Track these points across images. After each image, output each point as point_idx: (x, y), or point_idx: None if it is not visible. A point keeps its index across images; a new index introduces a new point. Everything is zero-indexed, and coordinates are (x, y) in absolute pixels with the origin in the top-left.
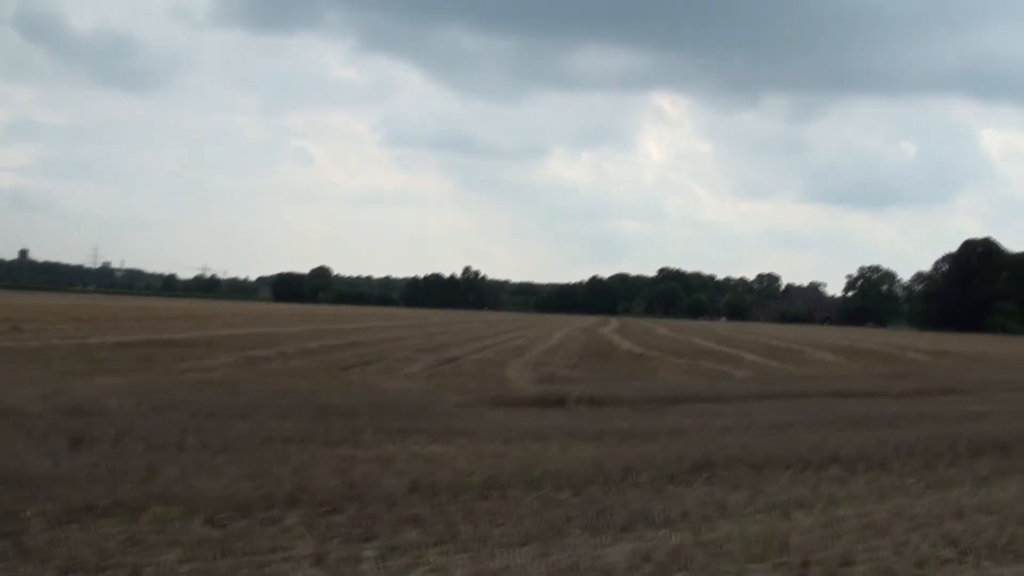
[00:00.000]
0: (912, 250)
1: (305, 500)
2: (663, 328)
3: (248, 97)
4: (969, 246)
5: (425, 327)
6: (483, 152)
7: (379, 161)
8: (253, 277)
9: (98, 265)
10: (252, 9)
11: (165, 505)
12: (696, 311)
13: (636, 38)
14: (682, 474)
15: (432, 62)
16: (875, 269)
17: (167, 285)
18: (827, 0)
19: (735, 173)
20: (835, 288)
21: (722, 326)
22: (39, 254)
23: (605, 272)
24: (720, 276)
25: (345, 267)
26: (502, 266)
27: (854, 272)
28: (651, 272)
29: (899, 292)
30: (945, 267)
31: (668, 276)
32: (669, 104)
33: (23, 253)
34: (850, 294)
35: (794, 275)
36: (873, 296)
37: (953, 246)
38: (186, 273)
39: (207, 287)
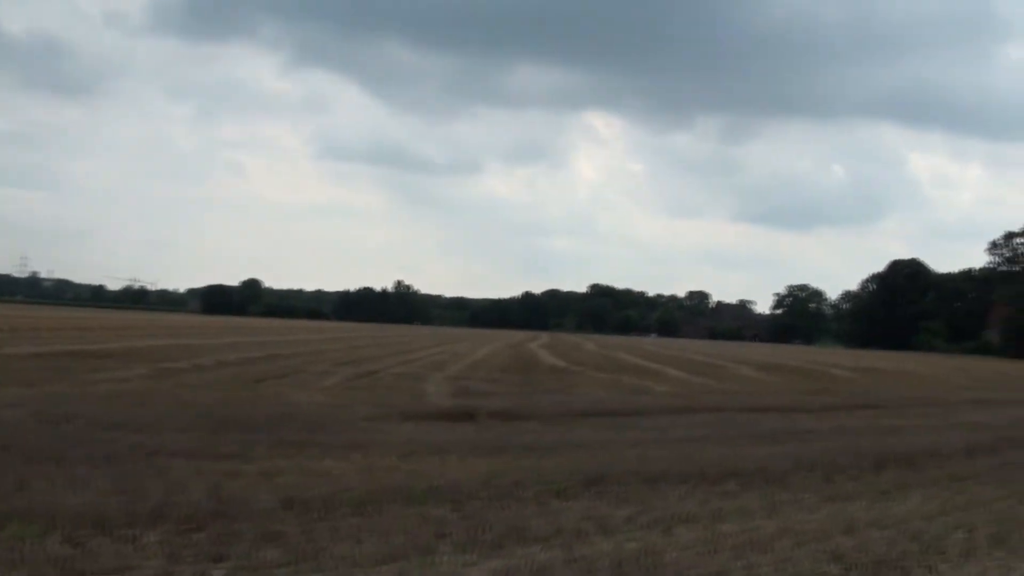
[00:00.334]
0: (840, 270)
1: (171, 516)
2: (591, 344)
3: (181, 106)
4: (896, 266)
5: (350, 340)
6: (417, 167)
7: (312, 174)
8: (183, 289)
9: (26, 274)
10: (187, 18)
11: (25, 522)
12: (627, 327)
13: (571, 58)
14: (572, 489)
15: (368, 76)
16: (803, 288)
17: (96, 296)
18: (760, 24)
19: (667, 192)
20: (764, 306)
21: (650, 342)
22: None
23: (538, 288)
24: (651, 293)
25: (276, 280)
26: (435, 281)
27: (782, 290)
28: (583, 288)
29: (827, 310)
30: (872, 286)
31: (599, 292)
32: (602, 123)
33: None
34: (778, 312)
35: (724, 293)
36: (801, 314)
37: (880, 266)
38: (116, 284)
39: (136, 298)
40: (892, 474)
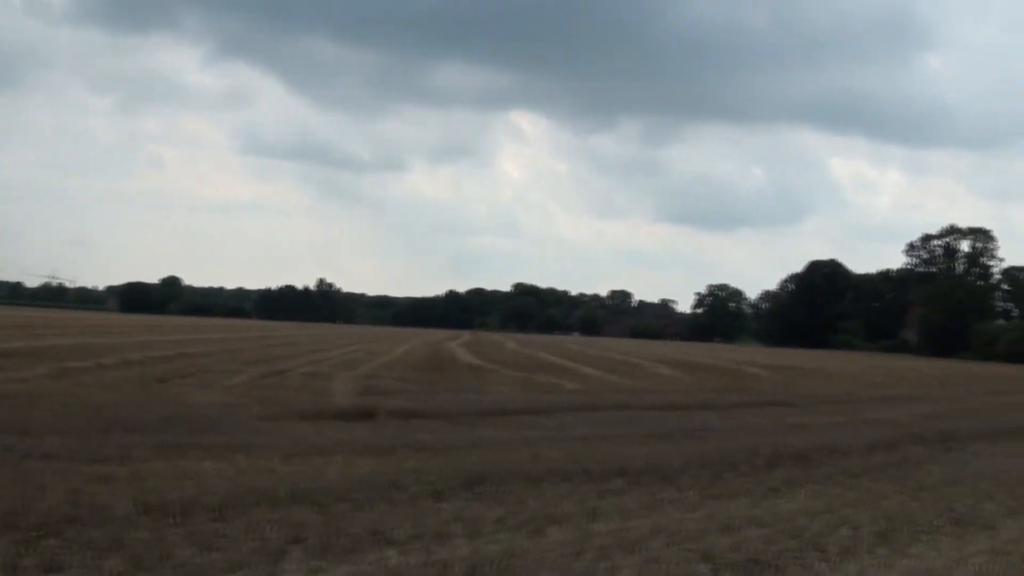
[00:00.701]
0: (761, 270)
1: (22, 523)
2: (512, 342)
3: (102, 98)
4: (815, 267)
5: (266, 339)
6: (341, 164)
7: (234, 169)
8: (103, 286)
9: None
10: (109, 8)
11: None
12: (550, 326)
13: (497, 57)
14: (451, 489)
15: (291, 71)
16: (723, 287)
17: (13, 293)
18: (684, 28)
19: (591, 193)
20: (685, 305)
21: (572, 340)
22: None
23: (462, 287)
24: (574, 292)
25: (197, 277)
26: (358, 279)
27: (703, 290)
28: (507, 287)
29: (747, 310)
30: (791, 286)
31: (523, 292)
32: (528, 123)
33: None
34: (699, 311)
35: (646, 292)
36: (721, 313)
37: (801, 267)
38: (34, 281)
39: (54, 296)
40: (785, 471)
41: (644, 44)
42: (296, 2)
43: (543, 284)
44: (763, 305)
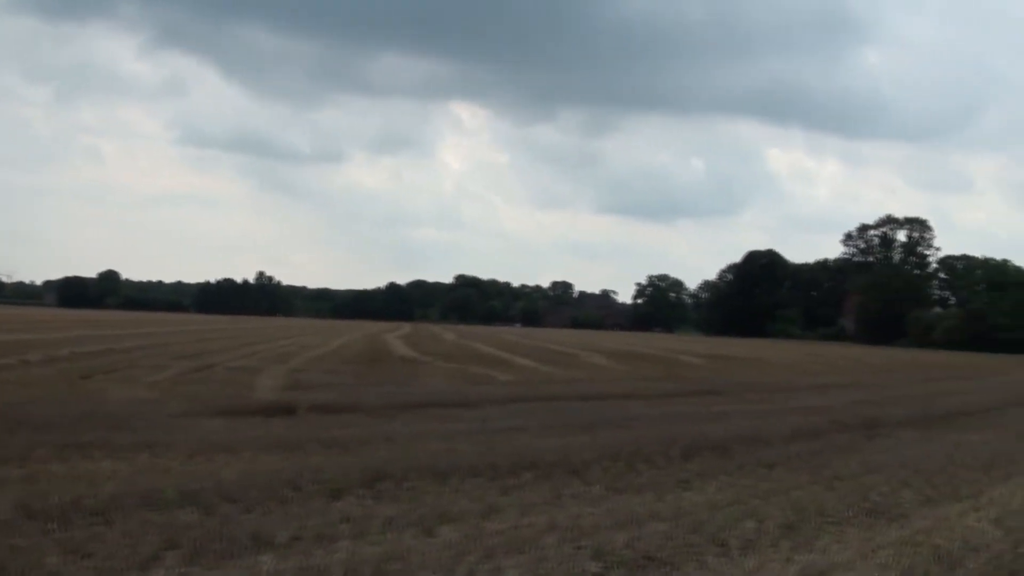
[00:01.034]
0: (700, 261)
1: None
2: (452, 334)
3: (39, 88)
4: (753, 257)
5: (201, 333)
6: (280, 155)
7: (173, 161)
8: (40, 281)
9: None
10: None
11: None
12: (491, 317)
13: (436, 48)
14: (350, 487)
15: (229, 61)
16: (664, 278)
17: None
18: (623, 20)
19: (532, 184)
20: (626, 295)
21: (513, 332)
22: None
23: (403, 279)
24: (516, 284)
25: (135, 271)
26: (299, 272)
27: (644, 280)
28: (449, 279)
29: (687, 300)
30: (729, 276)
31: (465, 283)
32: (468, 114)
33: None
34: (639, 301)
35: (587, 283)
36: (661, 303)
37: (739, 257)
38: None
39: None
40: (701, 462)
41: (583, 35)
42: None
43: (484, 276)
44: (702, 295)
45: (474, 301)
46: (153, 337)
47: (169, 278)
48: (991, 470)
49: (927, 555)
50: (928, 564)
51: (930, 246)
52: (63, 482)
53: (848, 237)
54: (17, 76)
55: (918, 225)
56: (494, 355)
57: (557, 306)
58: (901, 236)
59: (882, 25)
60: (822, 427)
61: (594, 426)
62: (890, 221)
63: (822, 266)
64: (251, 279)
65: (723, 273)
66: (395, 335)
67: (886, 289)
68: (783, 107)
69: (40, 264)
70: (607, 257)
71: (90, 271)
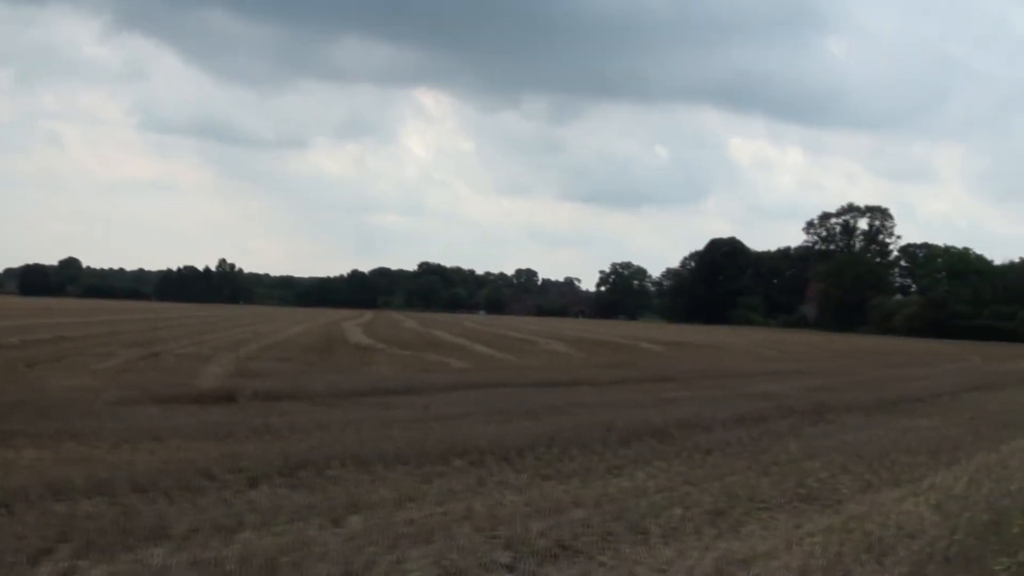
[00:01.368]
0: (664, 248)
1: None
2: (413, 321)
3: None
4: (715, 245)
5: (157, 321)
6: (243, 141)
7: (134, 147)
8: (1, 268)
9: None
10: None
11: None
12: (455, 305)
13: (400, 33)
14: (269, 475)
15: (191, 45)
16: (627, 265)
17: None
18: (588, 8)
19: (496, 171)
20: (590, 283)
21: (476, 319)
22: None
23: (366, 266)
24: (480, 271)
25: (97, 259)
26: (261, 259)
27: (607, 268)
28: (412, 266)
29: (650, 287)
30: (692, 264)
31: (428, 270)
32: (432, 101)
33: None
34: (603, 289)
35: (551, 271)
36: (624, 290)
37: (701, 245)
38: None
39: None
40: (639, 448)
41: (547, 22)
42: None
43: (448, 263)
44: (665, 283)
45: (438, 288)
46: (107, 325)
47: (131, 266)
48: (936, 455)
49: (858, 542)
50: (858, 552)
51: (891, 234)
52: None
53: (810, 225)
54: None
55: (879, 213)
56: (452, 342)
57: (521, 294)
58: (863, 224)
59: (845, 15)
60: (768, 413)
61: (537, 413)
62: (851, 209)
63: (784, 254)
64: (213, 267)
65: (686, 261)
66: (354, 323)
67: (847, 276)
68: (746, 96)
69: (1, 251)
70: (571, 245)
71: (51, 259)
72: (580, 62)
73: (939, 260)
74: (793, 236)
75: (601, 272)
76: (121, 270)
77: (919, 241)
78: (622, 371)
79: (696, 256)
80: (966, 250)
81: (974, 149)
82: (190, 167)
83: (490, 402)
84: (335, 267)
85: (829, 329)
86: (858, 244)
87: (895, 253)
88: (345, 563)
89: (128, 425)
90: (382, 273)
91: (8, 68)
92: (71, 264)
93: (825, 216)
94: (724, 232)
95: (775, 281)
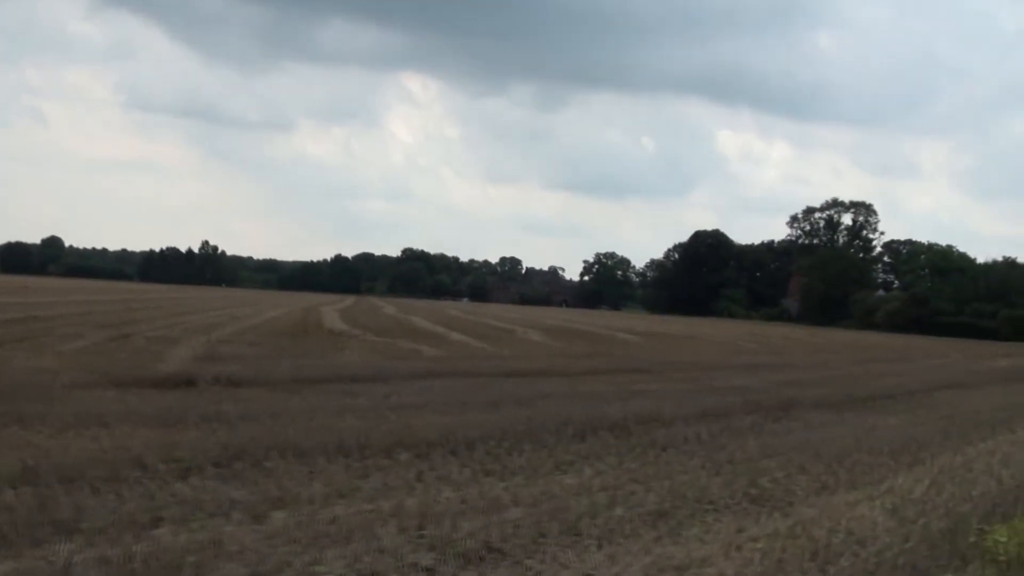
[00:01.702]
0: (649, 239)
1: None
2: (392, 307)
3: None
4: (699, 237)
5: (134, 302)
6: (228, 122)
7: (119, 126)
8: None
9: None
10: None
11: None
12: (439, 292)
13: (388, 17)
14: (205, 465)
15: (176, 23)
16: (611, 255)
17: None
18: None
19: (482, 158)
20: (573, 272)
21: (458, 306)
22: None
23: (350, 251)
24: (464, 258)
25: (79, 238)
26: (245, 242)
27: (591, 258)
28: (396, 252)
29: (634, 278)
30: (676, 256)
31: (412, 256)
32: (419, 86)
33: None
34: (586, 279)
35: (536, 259)
36: (608, 281)
37: (686, 236)
38: None
39: None
40: (593, 442)
41: (537, 9)
42: None
43: (433, 250)
44: (649, 274)
45: (422, 275)
46: (81, 306)
47: (114, 246)
48: (899, 456)
49: (802, 549)
50: (801, 559)
51: (875, 230)
52: None
53: (794, 219)
54: None
55: (863, 209)
56: (429, 330)
57: (505, 282)
58: (846, 219)
59: (834, 9)
60: (733, 408)
61: (498, 404)
62: (835, 204)
63: (768, 247)
64: (196, 248)
65: (670, 252)
66: (333, 308)
67: (830, 270)
68: (734, 88)
69: None
70: (556, 234)
71: (33, 237)
72: (569, 50)
73: (923, 257)
74: (777, 230)
75: (585, 262)
76: (104, 250)
77: (903, 237)
78: (595, 362)
79: (680, 248)
80: (950, 247)
81: (960, 146)
82: (175, 147)
83: (453, 392)
84: (319, 251)
85: (811, 323)
86: (842, 239)
87: (878, 249)
88: (256, 563)
89: (78, 410)
90: (365, 258)
91: None
92: (53, 243)
93: (809, 210)
94: (709, 224)
95: (758, 274)
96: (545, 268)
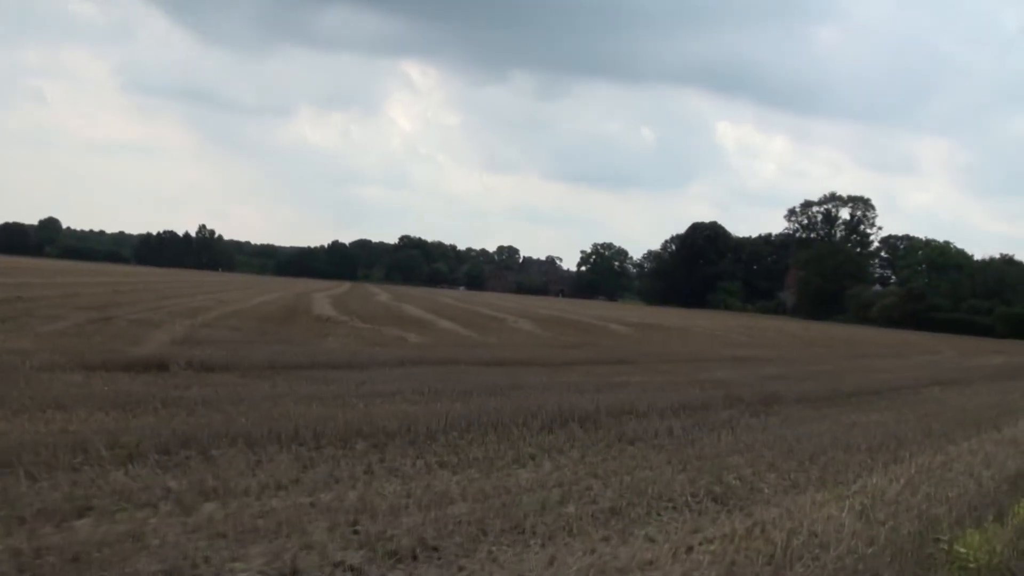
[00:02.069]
0: (647, 230)
1: None
2: (386, 295)
3: None
4: (697, 229)
5: (123, 285)
6: (227, 106)
7: (118, 108)
8: None
9: None
10: None
11: None
12: (436, 280)
13: (389, 3)
14: (149, 453)
15: (176, 5)
16: (608, 246)
17: None
18: None
19: (482, 146)
20: (571, 262)
21: (452, 294)
22: None
23: (347, 237)
24: (461, 247)
25: (77, 220)
26: (242, 226)
27: (588, 248)
28: (393, 239)
29: (631, 269)
30: (673, 247)
31: (409, 244)
32: (419, 73)
33: None
34: (583, 269)
35: (533, 249)
36: (605, 271)
37: (684, 228)
38: None
39: None
40: (559, 435)
41: None
42: None
43: (430, 238)
44: (646, 265)
45: (419, 262)
46: (69, 287)
47: (111, 228)
48: (876, 454)
49: (757, 552)
50: (754, 564)
51: (872, 225)
52: None
53: (791, 213)
54: None
55: (861, 203)
56: (419, 317)
57: (502, 271)
58: (844, 214)
59: (836, 5)
60: (713, 401)
61: (472, 393)
62: (833, 199)
63: (765, 240)
64: (193, 232)
65: (667, 243)
66: (326, 294)
67: (827, 264)
68: (734, 81)
69: None
70: (554, 223)
71: (31, 218)
72: (570, 40)
73: (920, 252)
74: (775, 223)
75: (583, 252)
76: (101, 232)
77: (900, 233)
78: (581, 352)
79: (677, 239)
80: (947, 244)
81: (959, 144)
82: (173, 130)
83: (430, 380)
84: (316, 237)
85: (806, 317)
86: (839, 233)
87: (876, 244)
88: (172, 559)
89: (40, 393)
90: (363, 245)
91: None
92: (50, 224)
93: (807, 204)
94: (707, 216)
95: (755, 267)
96: (543, 258)
